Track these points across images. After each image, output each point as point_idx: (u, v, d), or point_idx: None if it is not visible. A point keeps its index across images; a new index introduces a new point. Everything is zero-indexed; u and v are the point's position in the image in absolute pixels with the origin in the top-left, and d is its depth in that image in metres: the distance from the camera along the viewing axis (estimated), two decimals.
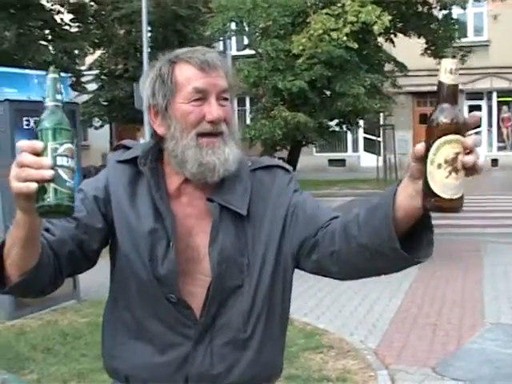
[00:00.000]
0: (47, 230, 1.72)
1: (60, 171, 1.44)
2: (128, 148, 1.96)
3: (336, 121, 14.95)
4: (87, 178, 1.97)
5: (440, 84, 1.44)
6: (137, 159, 1.88)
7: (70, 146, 1.47)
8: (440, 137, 1.42)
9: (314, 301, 7.96)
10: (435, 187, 1.44)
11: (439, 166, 1.43)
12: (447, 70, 1.42)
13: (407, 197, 1.56)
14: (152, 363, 1.85)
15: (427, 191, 1.46)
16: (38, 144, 1.44)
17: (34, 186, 1.41)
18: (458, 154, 1.42)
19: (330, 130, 15.03)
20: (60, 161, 1.44)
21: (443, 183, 1.43)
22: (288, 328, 6.45)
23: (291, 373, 5.48)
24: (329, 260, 1.78)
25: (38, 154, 1.43)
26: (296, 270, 1.96)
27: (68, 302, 7.58)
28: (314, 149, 27.68)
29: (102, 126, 26.12)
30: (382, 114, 20.88)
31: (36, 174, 1.41)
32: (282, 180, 1.93)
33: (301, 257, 1.85)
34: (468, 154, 1.43)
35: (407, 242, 1.61)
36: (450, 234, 13.20)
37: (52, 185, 1.42)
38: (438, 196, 1.44)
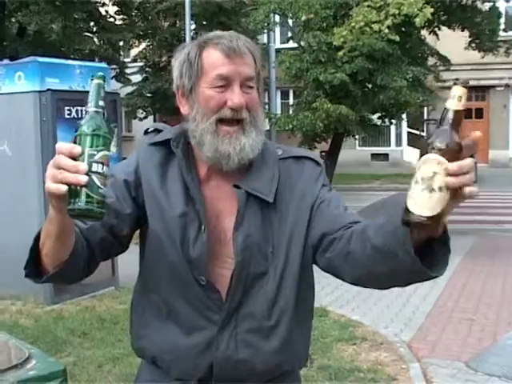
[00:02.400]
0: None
1: (94, 177, 1.46)
2: (159, 131, 2.00)
3: (378, 114, 14.83)
4: None
5: (445, 108, 1.48)
6: (169, 142, 1.90)
7: (106, 153, 1.50)
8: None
9: (351, 293, 7.96)
10: (408, 201, 1.48)
11: (416, 182, 1.46)
12: (455, 97, 1.46)
13: None
14: (178, 345, 1.87)
15: (404, 204, 1.50)
16: (76, 148, 1.47)
17: (64, 188, 1.46)
18: (435, 173, 1.44)
19: (372, 123, 14.93)
20: (95, 167, 1.47)
21: (415, 199, 1.47)
22: (323, 319, 6.45)
23: (323, 363, 5.51)
24: (342, 260, 1.77)
25: (74, 158, 1.47)
26: None
27: (106, 289, 7.71)
28: (357, 142, 27.54)
29: (145, 118, 26.36)
30: (425, 109, 20.69)
31: (71, 178, 1.45)
32: (311, 171, 1.94)
33: (317, 251, 1.86)
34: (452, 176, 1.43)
35: (423, 257, 1.59)
36: (491, 230, 13.08)
37: (85, 190, 1.46)
38: (409, 210, 1.48)
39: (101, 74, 1.59)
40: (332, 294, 7.88)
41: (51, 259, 1.68)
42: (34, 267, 1.72)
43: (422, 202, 1.45)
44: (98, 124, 1.50)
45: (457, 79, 1.60)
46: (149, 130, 2.03)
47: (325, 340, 6.08)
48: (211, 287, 1.83)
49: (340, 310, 7.29)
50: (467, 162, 1.44)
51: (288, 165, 1.93)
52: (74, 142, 1.49)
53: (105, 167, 1.49)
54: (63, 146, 1.49)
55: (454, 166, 1.42)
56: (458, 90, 1.46)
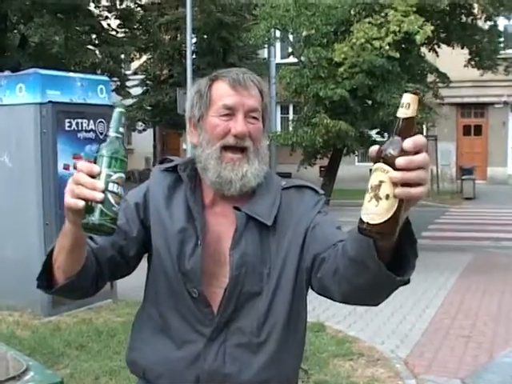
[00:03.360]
0: (90, 238, 1.85)
1: (109, 196, 1.59)
2: (171, 161, 2.10)
3: (377, 130, 14.87)
4: (130, 181, 2.08)
5: (396, 117, 1.49)
6: (176, 168, 2.03)
7: (122, 175, 1.62)
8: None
9: (348, 309, 7.96)
10: (361, 211, 1.50)
11: (366, 190, 1.48)
12: (403, 105, 1.47)
13: None
14: (168, 357, 1.93)
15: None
16: (95, 168, 1.59)
17: (81, 203, 1.57)
18: (381, 181, 1.45)
19: (371, 139, 14.95)
20: (111, 187, 1.59)
21: (365, 207, 1.49)
22: (320, 334, 6.45)
23: (320, 378, 5.51)
24: (331, 279, 1.81)
25: (93, 176, 1.59)
26: None
27: (104, 302, 7.70)
28: (356, 158, 27.59)
29: (144, 130, 26.43)
30: (424, 125, 20.76)
31: (88, 194, 1.57)
32: (309, 199, 2.01)
33: (312, 273, 1.91)
34: (400, 185, 1.43)
35: (397, 264, 1.62)
36: (489, 246, 13.09)
37: (100, 206, 1.57)
38: (361, 219, 1.50)
39: (123, 103, 1.75)
40: (329, 309, 7.88)
41: (63, 272, 1.79)
42: (46, 279, 1.83)
43: (371, 211, 1.47)
44: (116, 148, 1.63)
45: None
46: (162, 160, 2.16)
47: (321, 355, 6.09)
48: (203, 300, 1.90)
49: (337, 325, 7.30)
50: (416, 157, 1.42)
51: (290, 194, 2.02)
52: (94, 162, 1.62)
53: (120, 187, 1.61)
54: (84, 164, 1.61)
55: (396, 173, 1.42)
56: (407, 98, 1.46)
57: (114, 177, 1.60)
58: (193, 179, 2.00)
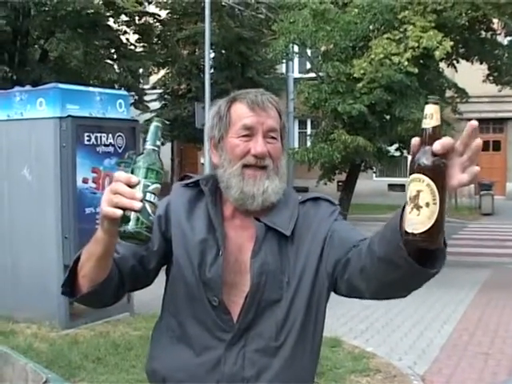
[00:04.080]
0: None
1: (146, 205, 1.64)
2: (191, 178, 2.17)
3: (395, 146, 14.84)
4: None
5: (422, 129, 1.55)
6: (198, 183, 2.09)
7: (158, 186, 1.68)
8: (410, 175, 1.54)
9: (365, 324, 7.93)
10: (404, 222, 1.57)
11: (406, 202, 1.55)
12: (427, 116, 1.54)
13: None
14: (188, 364, 1.98)
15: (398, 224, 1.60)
16: (134, 178, 1.65)
17: (119, 212, 1.62)
18: (419, 191, 1.51)
19: (389, 154, 14.92)
20: (148, 197, 1.65)
21: (407, 219, 1.55)
22: (336, 350, 6.44)
23: None
24: (358, 277, 1.87)
25: (131, 186, 1.64)
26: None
27: (121, 315, 7.72)
28: (374, 174, 27.53)
29: (163, 144, 26.52)
30: None
31: (127, 203, 1.62)
32: (325, 210, 2.08)
33: (337, 278, 1.96)
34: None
35: (424, 259, 1.67)
36: (508, 263, 12.98)
37: (138, 215, 1.62)
38: (406, 231, 1.56)
39: (160, 119, 1.79)
40: (346, 324, 7.86)
41: (88, 279, 1.84)
42: (70, 287, 1.90)
43: (413, 221, 1.53)
44: (153, 160, 1.69)
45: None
46: (182, 176, 2.22)
47: (338, 371, 6.06)
48: (223, 308, 1.96)
49: (354, 340, 7.26)
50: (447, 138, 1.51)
51: (306, 207, 2.09)
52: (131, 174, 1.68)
53: (156, 198, 1.67)
54: (122, 174, 1.66)
55: (436, 144, 1.50)
56: (429, 109, 1.53)
57: (152, 187, 1.65)
58: (214, 193, 2.05)
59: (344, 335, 7.38)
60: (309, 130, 26.64)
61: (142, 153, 1.70)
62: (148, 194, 1.64)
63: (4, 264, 7.68)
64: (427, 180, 1.50)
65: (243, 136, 1.98)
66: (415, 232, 1.53)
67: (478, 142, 1.51)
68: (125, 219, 1.63)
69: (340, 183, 14.96)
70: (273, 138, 2.00)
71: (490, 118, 27.29)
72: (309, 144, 16.01)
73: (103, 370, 5.92)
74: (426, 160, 1.51)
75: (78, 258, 1.86)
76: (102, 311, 7.61)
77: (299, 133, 28.61)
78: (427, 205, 1.50)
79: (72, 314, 7.36)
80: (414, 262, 1.63)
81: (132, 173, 1.67)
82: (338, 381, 5.79)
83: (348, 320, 8.00)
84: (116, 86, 18.74)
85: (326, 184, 15.17)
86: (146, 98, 23.80)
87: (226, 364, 1.94)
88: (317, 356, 2.08)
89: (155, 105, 24.92)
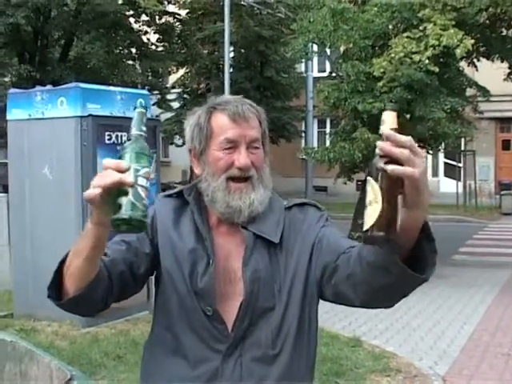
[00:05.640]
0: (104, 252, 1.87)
1: (139, 189, 1.60)
2: (173, 189, 2.19)
3: (416, 145, 14.74)
4: None
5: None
6: (181, 194, 2.08)
7: (148, 170, 1.65)
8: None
9: (385, 324, 7.91)
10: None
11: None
12: (381, 122, 1.58)
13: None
14: (185, 378, 1.94)
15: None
16: (123, 163, 1.61)
17: (98, 191, 1.57)
18: (367, 192, 1.59)
19: None
20: (140, 181, 1.61)
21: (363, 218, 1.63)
22: (356, 350, 6.43)
23: None
24: (345, 283, 1.87)
25: (121, 172, 1.60)
26: None
27: (141, 313, 7.73)
28: None
29: (183, 144, 26.57)
30: (463, 140, 20.57)
31: (117, 178, 1.57)
32: (312, 216, 2.07)
33: (323, 283, 1.95)
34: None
35: (414, 265, 1.68)
36: None
37: (131, 198, 1.58)
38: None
39: (142, 102, 1.78)
40: (365, 324, 7.84)
41: (74, 279, 1.78)
42: (56, 289, 1.84)
43: (364, 218, 1.59)
44: (142, 145, 1.67)
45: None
46: (166, 189, 2.20)
47: (358, 370, 6.05)
48: (217, 317, 1.93)
49: (373, 340, 7.24)
50: (396, 135, 1.53)
51: (293, 213, 2.07)
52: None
53: (147, 182, 1.63)
54: (110, 161, 1.62)
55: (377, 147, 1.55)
56: (384, 115, 1.58)
57: (142, 171, 1.62)
58: (198, 202, 2.03)
59: (363, 335, 7.36)
60: (328, 129, 26.59)
61: (129, 139, 1.69)
62: (140, 179, 1.61)
63: (25, 262, 7.74)
64: (372, 181, 1.56)
65: (226, 149, 1.96)
66: (363, 229, 1.59)
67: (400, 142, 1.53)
68: (117, 206, 1.58)
69: (359, 183, 14.89)
70: (255, 147, 1.99)
71: (511, 117, 27.10)
72: (328, 143, 15.97)
73: (123, 368, 5.95)
74: (374, 162, 1.57)
75: (64, 259, 1.81)
76: (122, 310, 7.64)
77: (318, 132, 28.57)
78: (370, 203, 1.56)
79: None
80: (405, 267, 1.64)
81: (120, 159, 1.64)
82: (358, 380, 5.78)
83: (367, 320, 7.98)
84: (138, 86, 18.81)
85: (345, 183, 15.12)
86: (168, 97, 23.89)
87: (224, 376, 1.91)
88: (313, 362, 2.07)
89: (175, 104, 24.98)
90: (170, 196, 2.11)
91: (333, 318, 7.98)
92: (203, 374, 1.92)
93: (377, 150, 1.56)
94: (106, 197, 1.59)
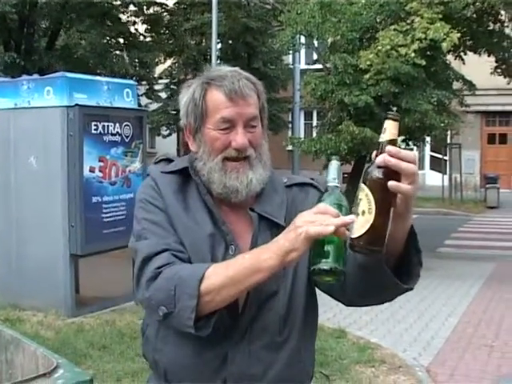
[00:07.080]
0: (181, 251, 1.88)
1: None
2: (170, 161, 2.07)
3: (402, 137, 14.79)
4: None
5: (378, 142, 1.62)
6: (182, 170, 1.99)
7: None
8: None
9: (369, 315, 7.95)
10: None
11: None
12: (383, 130, 1.61)
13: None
14: (192, 361, 1.91)
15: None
16: (347, 218, 1.63)
17: (331, 228, 1.59)
18: (360, 200, 1.61)
19: (396, 146, 14.86)
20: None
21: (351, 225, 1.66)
22: (341, 341, 6.44)
23: None
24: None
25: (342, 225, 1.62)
26: None
27: (127, 304, 7.74)
28: None
29: (170, 135, 26.51)
30: (449, 133, 20.65)
31: (340, 222, 1.60)
32: (313, 198, 1.98)
33: None
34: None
35: (400, 274, 1.73)
36: None
37: (337, 250, 1.61)
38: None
39: (337, 157, 1.77)
40: (350, 315, 7.87)
41: (214, 307, 1.78)
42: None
43: (353, 226, 1.61)
44: (338, 196, 1.68)
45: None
46: (158, 160, 2.10)
47: (343, 361, 6.08)
48: (229, 303, 1.87)
49: (358, 332, 7.28)
50: (400, 150, 1.59)
51: (294, 192, 2.05)
52: None
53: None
54: (331, 208, 1.64)
55: (379, 157, 1.59)
56: (385, 124, 1.60)
57: None
58: (201, 181, 1.97)
59: (348, 326, 7.41)
60: (315, 122, 26.59)
61: (326, 190, 1.70)
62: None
63: (11, 252, 7.72)
64: (366, 190, 1.57)
65: (222, 129, 1.90)
66: (352, 237, 1.61)
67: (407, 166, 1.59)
68: (323, 255, 1.60)
69: (345, 175, 14.90)
70: (253, 126, 1.93)
71: (496, 111, 27.23)
72: (315, 135, 15.97)
73: (109, 359, 5.96)
74: (371, 171, 1.59)
75: (202, 279, 1.76)
76: (108, 300, 7.66)
77: (305, 124, 28.57)
78: (363, 213, 1.58)
79: (78, 303, 7.39)
80: (391, 274, 1.69)
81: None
82: (342, 371, 5.81)
83: (352, 311, 8.01)
84: (127, 77, 18.73)
85: None
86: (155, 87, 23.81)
87: (234, 362, 1.88)
88: (314, 344, 2.08)
89: (162, 95, 24.89)
90: (169, 173, 2.00)
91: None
92: (212, 359, 1.89)
93: (377, 160, 1.59)
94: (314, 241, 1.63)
